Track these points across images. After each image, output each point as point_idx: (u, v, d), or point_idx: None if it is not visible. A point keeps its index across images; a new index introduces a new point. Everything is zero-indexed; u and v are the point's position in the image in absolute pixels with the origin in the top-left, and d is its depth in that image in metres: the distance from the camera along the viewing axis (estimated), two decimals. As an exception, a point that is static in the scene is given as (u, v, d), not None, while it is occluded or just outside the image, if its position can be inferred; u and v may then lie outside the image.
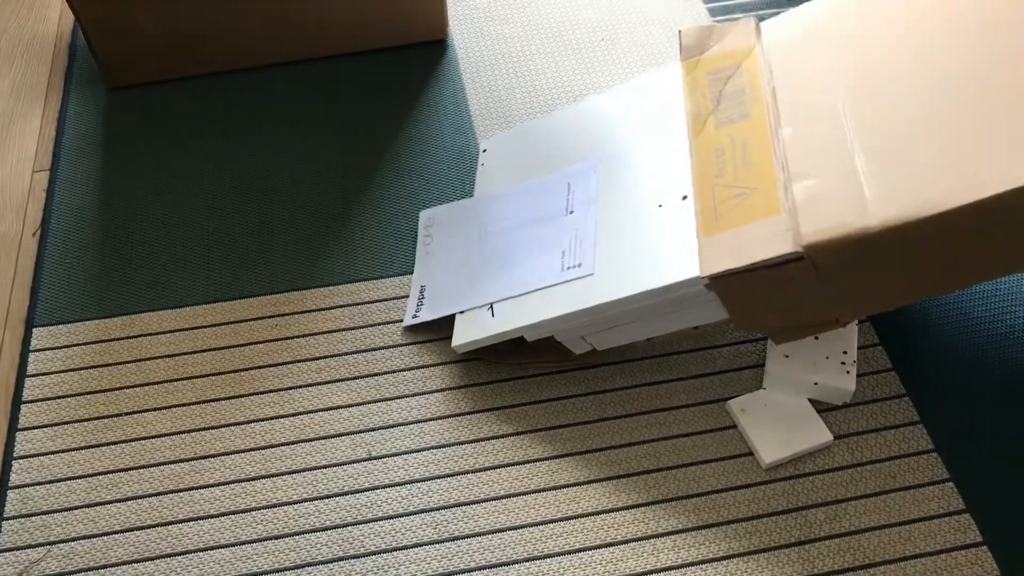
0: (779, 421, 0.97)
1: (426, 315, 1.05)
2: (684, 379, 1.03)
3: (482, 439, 0.98)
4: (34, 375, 1.05)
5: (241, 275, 1.13)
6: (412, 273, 1.13)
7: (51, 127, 1.31)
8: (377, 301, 1.11)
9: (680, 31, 1.07)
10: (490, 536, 0.92)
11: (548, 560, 0.90)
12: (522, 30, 1.43)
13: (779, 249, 0.81)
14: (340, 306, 1.10)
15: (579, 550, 0.90)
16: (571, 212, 1.02)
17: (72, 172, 1.25)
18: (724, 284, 0.85)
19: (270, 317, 1.09)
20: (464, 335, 0.99)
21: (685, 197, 0.94)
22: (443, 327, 1.05)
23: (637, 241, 0.94)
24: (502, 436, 0.99)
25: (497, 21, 1.44)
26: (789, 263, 0.81)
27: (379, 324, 1.08)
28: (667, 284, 0.87)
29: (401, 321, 1.08)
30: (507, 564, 0.90)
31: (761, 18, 1.13)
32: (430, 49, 1.39)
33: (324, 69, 1.37)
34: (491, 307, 0.97)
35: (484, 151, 1.19)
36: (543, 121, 1.17)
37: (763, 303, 0.88)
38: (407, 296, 1.11)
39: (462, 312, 1.01)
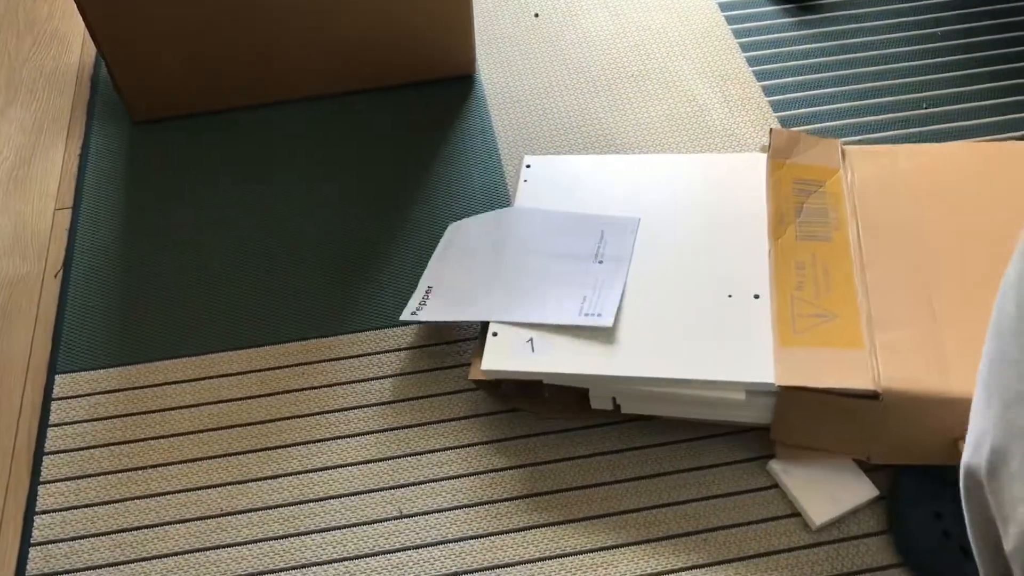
0: (822, 479, 0.94)
1: (426, 316, 1.03)
2: (719, 436, 1.00)
3: (517, 497, 0.96)
4: (57, 424, 1.02)
5: (268, 320, 1.11)
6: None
7: (73, 163, 1.29)
8: (407, 348, 1.08)
9: (772, 130, 1.11)
10: (526, 602, 0.89)
11: (586, 628, 0.87)
12: (550, 66, 1.40)
13: (859, 383, 0.85)
14: (369, 353, 1.08)
15: (618, 617, 0.88)
16: (600, 262, 1.00)
17: (95, 210, 1.23)
18: (791, 397, 0.88)
19: (297, 365, 1.07)
20: (496, 362, 0.95)
21: (758, 296, 0.95)
22: (446, 351, 1.03)
23: (704, 326, 0.94)
24: (537, 495, 0.96)
25: (525, 57, 1.42)
26: (863, 398, 0.85)
27: (410, 373, 1.06)
28: (740, 380, 0.88)
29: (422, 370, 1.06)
30: (544, 632, 0.87)
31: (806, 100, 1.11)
32: (458, 84, 1.37)
33: (350, 104, 1.34)
34: (531, 342, 0.95)
35: (528, 167, 1.16)
36: (598, 160, 1.15)
37: (815, 424, 0.91)
38: (441, 344, 1.08)
39: (495, 335, 0.98)
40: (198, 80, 1.29)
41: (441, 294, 1.05)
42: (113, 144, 1.31)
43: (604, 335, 0.94)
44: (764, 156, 1.08)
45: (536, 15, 1.47)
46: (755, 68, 1.38)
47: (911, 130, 1.28)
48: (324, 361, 1.07)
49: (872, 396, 0.85)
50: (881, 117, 1.30)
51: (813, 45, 1.41)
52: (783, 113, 1.31)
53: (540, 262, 1.03)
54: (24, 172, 1.28)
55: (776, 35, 1.43)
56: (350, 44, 1.28)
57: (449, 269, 1.08)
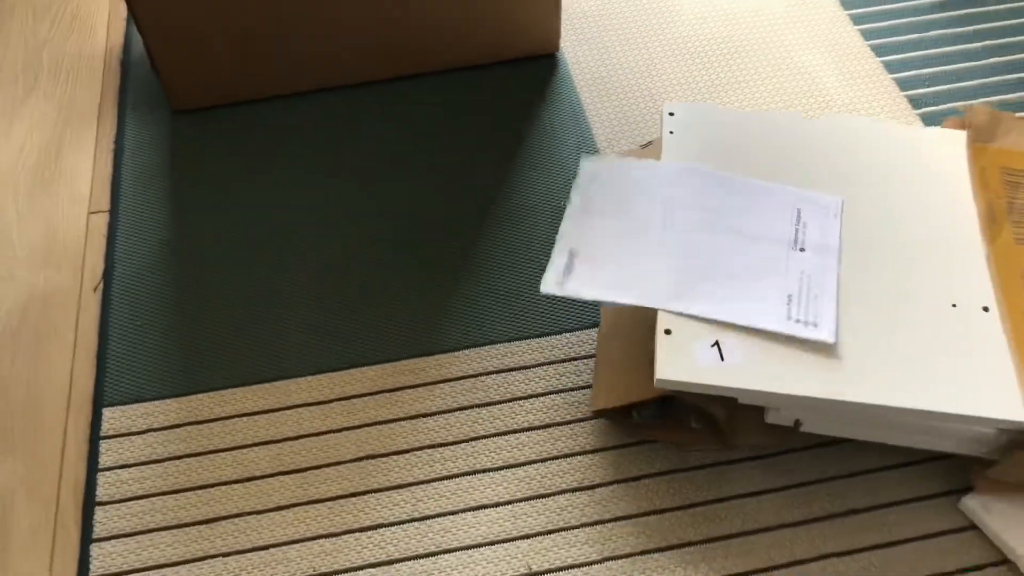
0: (1029, 518, 0.79)
1: (577, 289, 0.82)
2: (895, 467, 0.85)
3: (668, 548, 0.80)
4: (107, 468, 0.86)
5: (346, 338, 0.95)
6: (549, 334, 0.94)
7: (106, 159, 1.12)
8: (515, 369, 0.92)
9: (969, 107, 0.96)
10: None
11: None
12: (639, 43, 1.24)
13: None
14: (470, 376, 0.92)
15: None
16: (802, 249, 0.83)
17: (135, 212, 1.06)
18: None
19: (390, 391, 0.91)
20: (674, 370, 0.77)
21: (987, 309, 0.80)
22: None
23: (927, 344, 0.79)
24: (690, 544, 0.80)
25: (611, 33, 1.26)
26: None
27: (522, 398, 0.90)
28: (983, 416, 0.74)
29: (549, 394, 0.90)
30: None
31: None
32: (540, 63, 1.21)
33: (419, 88, 1.18)
34: (718, 347, 0.77)
35: (672, 115, 0.97)
36: (763, 118, 0.98)
37: None
38: (552, 363, 0.93)
39: (668, 332, 0.81)
40: (247, 62, 1.12)
41: (592, 263, 0.84)
42: (151, 137, 1.14)
43: (814, 347, 0.78)
44: (962, 133, 0.92)
45: (618, -13, 1.32)
46: (871, 42, 1.23)
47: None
48: (417, 386, 0.91)
49: None
50: (1020, 95, 1.15)
51: (935, 16, 1.26)
52: (913, 92, 1.16)
53: (726, 240, 0.85)
54: (51, 171, 1.11)
55: (891, 5, 1.28)
56: (417, 20, 1.12)
57: (597, 229, 0.87)
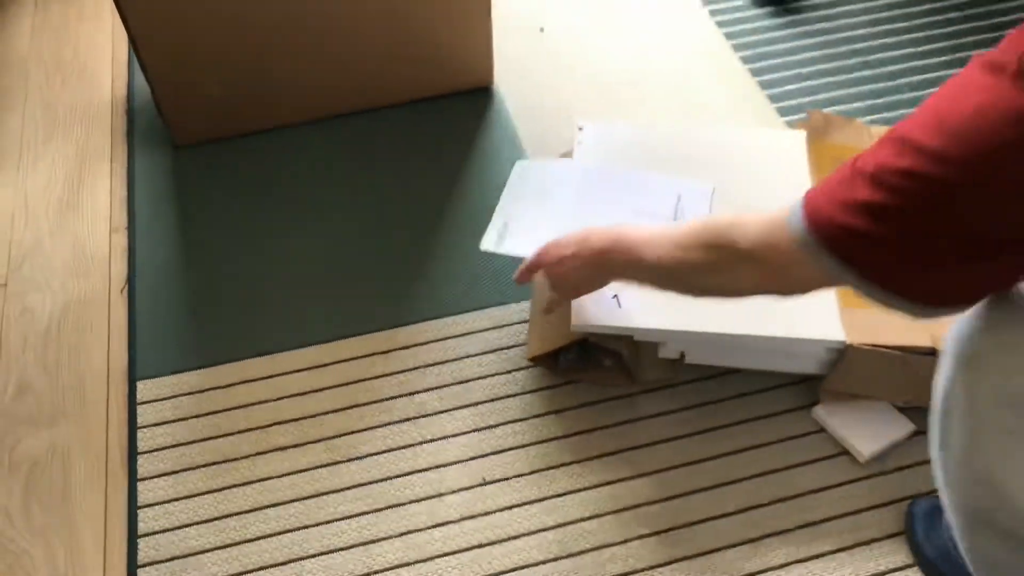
0: (865, 419, 1.04)
1: (510, 248, 1.07)
2: (762, 391, 1.09)
3: (590, 458, 1.03)
4: (145, 426, 1.07)
5: (329, 318, 1.18)
6: (492, 306, 1.18)
7: (121, 187, 1.35)
8: (466, 335, 1.15)
9: (808, 111, 1.23)
10: (611, 548, 0.96)
11: (659, 569, 0.95)
12: (562, 76, 1.50)
13: (920, 340, 0.96)
14: (430, 341, 1.15)
15: (685, 558, 0.95)
16: (678, 221, 1.09)
17: (149, 229, 1.29)
18: (857, 353, 0.98)
19: (364, 356, 1.13)
20: (585, 317, 1.01)
21: None
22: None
23: None
24: (608, 454, 1.04)
25: (537, 68, 1.52)
26: (921, 354, 0.96)
27: (472, 355, 1.13)
28: (813, 338, 0.98)
29: (495, 351, 1.13)
30: (631, 574, 0.95)
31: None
32: (478, 95, 1.46)
33: (382, 119, 1.42)
34: (617, 298, 1.02)
35: (581, 129, 1.23)
36: (652, 129, 1.24)
37: (870, 376, 1.00)
38: (493, 328, 1.16)
39: None
40: (235, 103, 1.36)
41: (521, 229, 1.09)
42: (158, 168, 1.37)
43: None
44: (803, 133, 1.18)
45: (542, 29, 1.58)
46: (750, 66, 1.50)
47: (897, 112, 1.41)
48: (391, 351, 1.14)
49: (930, 352, 0.95)
50: (870, 102, 1.42)
51: (799, 43, 1.54)
52: (781, 104, 1.43)
53: (622, 215, 1.09)
54: (75, 198, 1.33)
55: (764, 35, 1.56)
56: (377, 61, 1.37)
57: (525, 208, 1.13)
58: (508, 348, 1.14)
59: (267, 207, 1.31)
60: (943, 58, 1.48)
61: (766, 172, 1.16)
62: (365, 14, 1.30)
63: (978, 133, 0.54)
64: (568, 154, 1.26)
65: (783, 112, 1.42)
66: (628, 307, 1.02)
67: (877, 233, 0.60)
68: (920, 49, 1.51)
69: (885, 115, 1.40)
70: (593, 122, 1.24)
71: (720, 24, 1.58)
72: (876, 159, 0.61)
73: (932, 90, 1.44)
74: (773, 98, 1.44)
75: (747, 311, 1.01)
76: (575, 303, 1.02)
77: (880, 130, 1.20)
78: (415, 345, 1.15)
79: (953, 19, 1.55)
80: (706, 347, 1.03)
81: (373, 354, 1.14)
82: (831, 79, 1.47)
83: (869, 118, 1.39)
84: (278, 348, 1.15)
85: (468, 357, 1.13)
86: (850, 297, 1.01)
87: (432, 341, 1.15)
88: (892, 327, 0.97)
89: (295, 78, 1.35)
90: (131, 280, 1.22)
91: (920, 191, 0.58)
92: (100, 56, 1.55)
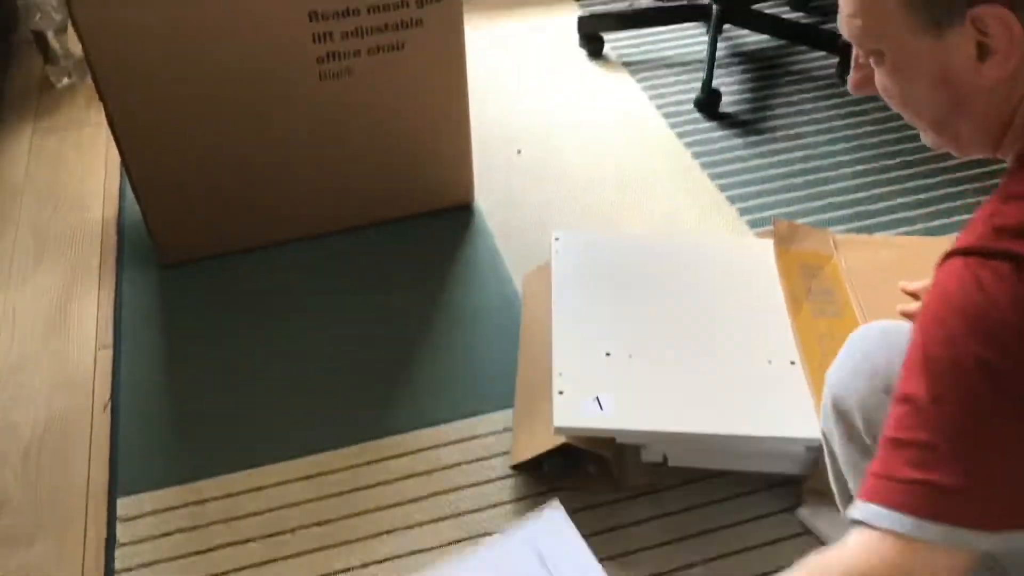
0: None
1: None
2: (744, 495, 1.09)
3: (576, 565, 1.02)
4: (125, 544, 1.06)
5: (313, 430, 1.18)
6: (474, 414, 1.19)
7: (108, 306, 1.37)
8: (443, 445, 1.16)
9: (774, 220, 1.29)
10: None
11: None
12: (539, 193, 1.56)
13: None
14: (411, 452, 1.15)
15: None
16: None
17: (135, 347, 1.30)
18: None
19: (347, 469, 1.13)
20: (567, 420, 1.02)
21: (793, 363, 1.09)
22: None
23: (752, 388, 1.06)
24: (603, 560, 1.03)
25: (515, 187, 1.58)
26: None
27: (452, 466, 1.13)
28: (790, 436, 1.00)
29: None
30: None
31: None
32: (458, 213, 1.51)
33: (364, 238, 1.47)
34: (598, 399, 1.04)
35: (557, 239, 1.27)
36: (626, 239, 1.29)
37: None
38: (476, 437, 1.17)
39: (561, 392, 1.05)
40: (221, 223, 1.40)
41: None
42: (145, 287, 1.39)
43: (671, 393, 1.05)
44: (770, 242, 1.24)
45: (519, 152, 1.65)
46: (717, 182, 1.58)
47: (863, 223, 1.47)
48: (374, 462, 1.14)
49: None
50: (831, 214, 1.49)
51: (762, 160, 1.62)
52: (750, 217, 1.49)
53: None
54: (62, 317, 1.35)
55: (730, 154, 1.64)
56: (361, 182, 1.43)
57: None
58: (492, 456, 1.15)
59: (251, 323, 1.33)
60: (905, 172, 1.57)
61: (738, 279, 1.21)
62: (350, 138, 1.37)
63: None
64: (546, 266, 1.30)
65: (752, 224, 1.48)
66: (610, 409, 1.03)
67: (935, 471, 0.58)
68: (878, 164, 1.59)
69: (850, 225, 1.47)
70: (568, 233, 1.29)
71: (688, 145, 1.66)
72: (905, 391, 0.61)
73: (898, 201, 1.54)
74: (742, 211, 1.51)
75: (726, 411, 1.03)
76: (556, 404, 1.04)
77: (848, 237, 1.25)
78: (399, 455, 1.15)
79: (908, 139, 1.65)
80: (688, 449, 1.04)
81: (357, 465, 1.14)
82: (796, 193, 1.54)
83: (835, 228, 1.45)
84: (261, 462, 1.14)
85: (452, 467, 1.13)
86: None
87: (416, 451, 1.16)
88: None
89: (280, 199, 1.40)
90: (115, 396, 1.23)
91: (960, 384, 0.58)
92: (93, 183, 1.60)
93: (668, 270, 1.22)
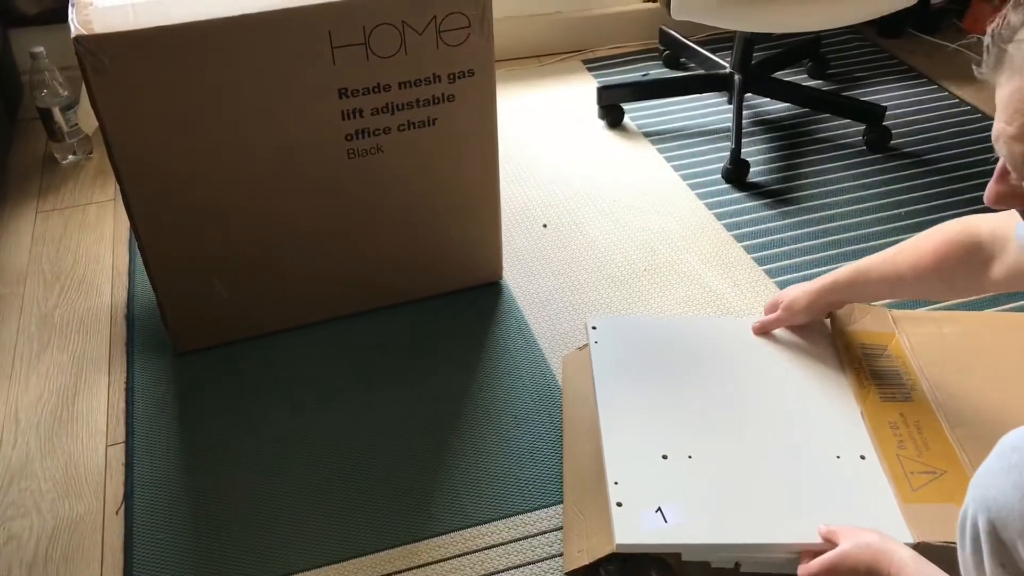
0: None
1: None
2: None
3: None
4: (141, 670, 0.95)
5: (346, 534, 1.09)
6: (518, 513, 1.10)
7: (119, 398, 1.28)
8: (493, 547, 1.07)
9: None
10: None
11: None
12: (568, 268, 1.50)
13: None
14: (455, 555, 1.06)
15: None
16: None
17: (149, 442, 1.21)
18: (927, 551, 0.90)
19: None
20: (628, 536, 0.94)
21: (864, 457, 1.01)
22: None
23: (826, 489, 0.98)
24: None
25: (543, 262, 1.52)
26: None
27: (502, 571, 1.04)
28: None
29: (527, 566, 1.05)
30: None
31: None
32: (487, 290, 1.45)
33: (388, 317, 1.40)
34: (661, 511, 0.95)
35: (594, 328, 1.20)
36: (667, 324, 1.22)
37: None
38: (524, 538, 1.08)
39: (619, 504, 0.97)
40: (240, 309, 1.33)
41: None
42: (159, 376, 1.31)
43: (737, 499, 0.98)
44: (823, 322, 1.17)
45: (544, 226, 1.60)
46: (753, 255, 1.52)
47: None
48: (409, 570, 1.05)
49: None
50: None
51: (799, 231, 1.57)
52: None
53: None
54: (69, 412, 1.26)
55: (762, 226, 1.59)
56: (388, 263, 1.36)
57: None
58: (540, 561, 1.05)
59: (273, 414, 1.25)
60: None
61: (792, 364, 1.14)
62: (378, 217, 1.31)
63: None
64: (585, 347, 1.23)
65: (794, 299, 1.42)
66: (674, 518, 0.95)
67: None
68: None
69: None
70: (605, 318, 1.23)
71: (719, 216, 1.61)
72: None
73: None
74: (781, 285, 1.45)
75: (800, 517, 0.96)
76: (616, 518, 0.96)
77: (907, 314, 1.19)
78: (436, 562, 1.06)
79: (939, 208, 1.60)
80: (763, 555, 0.96)
81: (391, 574, 1.05)
82: (834, 265, 1.48)
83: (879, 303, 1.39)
84: (287, 570, 1.05)
85: (496, 573, 1.04)
86: (907, 492, 0.96)
87: (455, 556, 1.06)
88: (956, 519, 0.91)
89: (305, 281, 1.33)
90: (128, 498, 1.13)
91: None
92: (100, 266, 1.53)
93: (716, 355, 1.15)
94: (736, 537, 0.93)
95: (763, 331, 1.19)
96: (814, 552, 0.92)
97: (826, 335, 1.17)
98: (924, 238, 1.05)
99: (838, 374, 1.11)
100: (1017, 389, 1.08)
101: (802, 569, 0.92)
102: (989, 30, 0.65)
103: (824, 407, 1.07)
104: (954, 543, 0.89)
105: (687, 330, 1.21)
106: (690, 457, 1.02)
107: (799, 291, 1.16)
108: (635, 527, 0.95)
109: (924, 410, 1.05)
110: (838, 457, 1.01)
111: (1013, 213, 0.82)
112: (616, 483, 0.99)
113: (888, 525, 0.93)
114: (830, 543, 0.91)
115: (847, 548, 0.88)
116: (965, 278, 1.01)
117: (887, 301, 1.39)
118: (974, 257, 0.99)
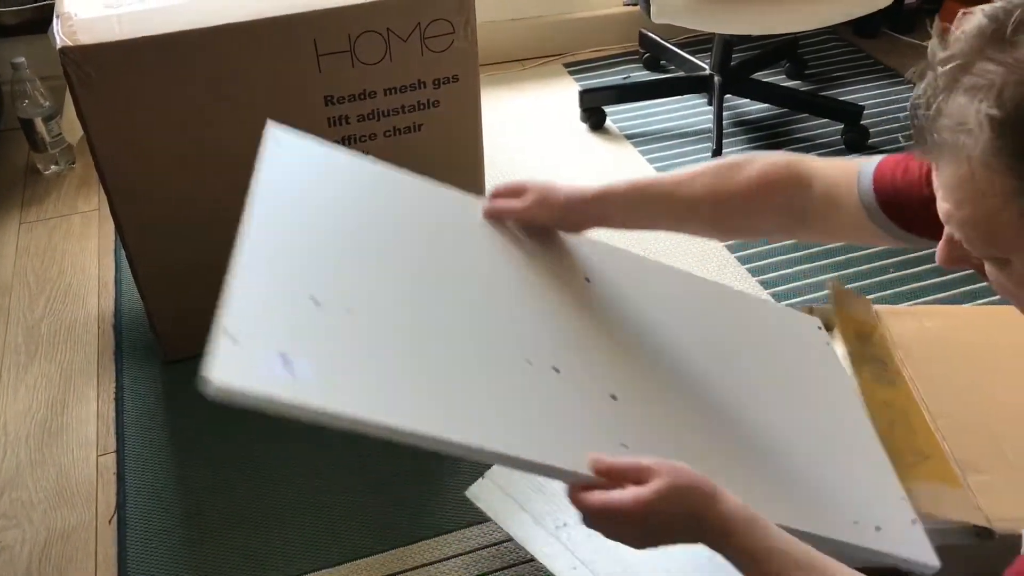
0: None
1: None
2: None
3: None
4: (138, 678, 0.96)
5: (338, 537, 1.10)
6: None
7: (109, 407, 1.28)
8: (475, 551, 1.08)
9: (830, 283, 1.19)
10: None
11: None
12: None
13: (973, 519, 0.91)
14: (451, 556, 1.07)
15: None
16: None
17: (140, 450, 1.21)
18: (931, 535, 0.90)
19: (383, 578, 1.05)
20: (231, 375, 0.65)
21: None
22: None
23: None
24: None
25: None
26: (978, 535, 0.91)
27: (497, 571, 1.06)
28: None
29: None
30: None
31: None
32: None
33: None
34: (286, 359, 0.69)
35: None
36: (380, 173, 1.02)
37: None
38: (501, 543, 1.09)
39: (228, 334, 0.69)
40: (229, 315, 1.33)
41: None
42: (148, 385, 1.31)
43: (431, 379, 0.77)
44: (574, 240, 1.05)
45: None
46: (736, 255, 1.54)
47: (887, 293, 1.44)
48: (405, 571, 1.06)
49: (987, 534, 0.90)
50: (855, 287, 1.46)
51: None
52: (773, 290, 1.45)
53: None
54: (58, 422, 1.26)
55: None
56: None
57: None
58: (537, 560, 1.07)
59: (265, 421, 1.25)
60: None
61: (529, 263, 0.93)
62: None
63: None
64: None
65: (778, 297, 1.44)
66: (305, 377, 0.66)
67: None
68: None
69: (880, 294, 1.43)
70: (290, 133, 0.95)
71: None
72: None
73: (924, 268, 1.47)
74: (765, 284, 1.47)
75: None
76: (219, 347, 0.66)
77: (888, 308, 1.20)
78: (432, 563, 1.07)
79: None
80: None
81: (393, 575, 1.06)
82: (818, 262, 1.51)
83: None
84: (288, 573, 1.06)
85: (492, 573, 1.05)
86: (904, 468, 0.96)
87: (451, 557, 1.07)
88: (941, 503, 0.92)
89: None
90: (121, 507, 1.14)
91: None
92: (86, 275, 1.53)
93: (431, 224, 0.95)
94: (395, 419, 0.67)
95: (495, 216, 0.93)
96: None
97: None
98: (733, 167, 0.88)
99: (843, 370, 1.10)
100: (999, 381, 1.10)
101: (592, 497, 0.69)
102: (911, 103, 0.59)
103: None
104: (952, 523, 0.91)
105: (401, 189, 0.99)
106: (353, 311, 0.75)
107: (563, 186, 0.91)
108: (245, 367, 0.65)
109: (907, 397, 1.07)
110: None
111: (851, 167, 0.80)
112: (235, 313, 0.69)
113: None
114: (614, 480, 0.68)
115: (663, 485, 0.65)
116: (775, 223, 0.89)
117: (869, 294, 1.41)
118: (795, 203, 0.86)
